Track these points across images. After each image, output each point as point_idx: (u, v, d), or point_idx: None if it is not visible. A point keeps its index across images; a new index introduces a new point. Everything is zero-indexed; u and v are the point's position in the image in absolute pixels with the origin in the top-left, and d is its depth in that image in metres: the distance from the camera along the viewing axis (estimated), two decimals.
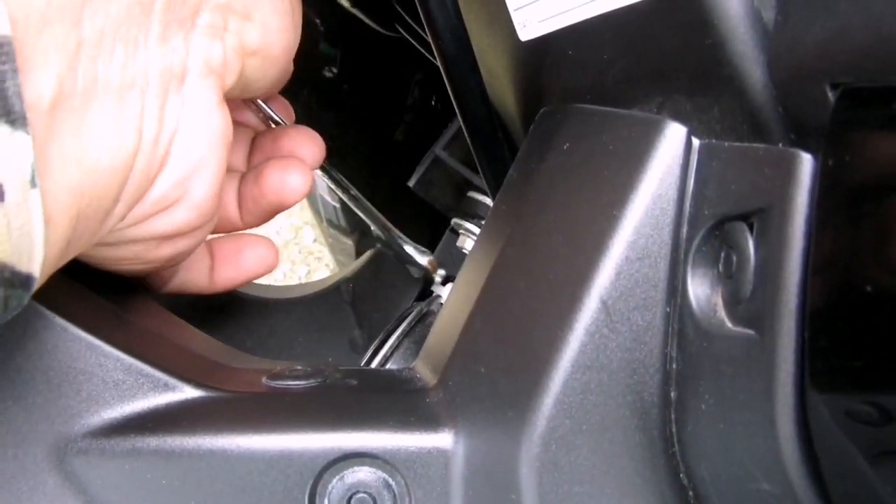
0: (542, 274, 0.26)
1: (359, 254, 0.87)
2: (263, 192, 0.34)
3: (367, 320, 0.54)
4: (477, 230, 0.47)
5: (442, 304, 0.46)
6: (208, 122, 0.26)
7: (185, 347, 0.31)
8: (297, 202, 0.35)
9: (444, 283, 0.53)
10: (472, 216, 0.48)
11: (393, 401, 0.28)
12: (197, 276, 0.35)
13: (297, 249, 1.45)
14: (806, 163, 0.20)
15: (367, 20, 0.44)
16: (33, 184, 0.19)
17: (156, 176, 0.26)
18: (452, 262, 0.50)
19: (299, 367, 0.31)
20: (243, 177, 0.35)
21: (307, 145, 0.36)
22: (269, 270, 0.37)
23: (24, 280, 0.20)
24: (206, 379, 0.29)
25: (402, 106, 0.76)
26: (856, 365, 0.18)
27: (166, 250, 0.29)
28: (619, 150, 0.25)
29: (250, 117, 0.38)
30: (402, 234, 0.48)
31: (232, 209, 0.35)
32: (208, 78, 0.26)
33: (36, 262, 0.20)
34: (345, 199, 0.49)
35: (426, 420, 0.27)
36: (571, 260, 0.25)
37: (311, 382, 0.30)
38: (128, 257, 0.28)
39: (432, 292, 0.54)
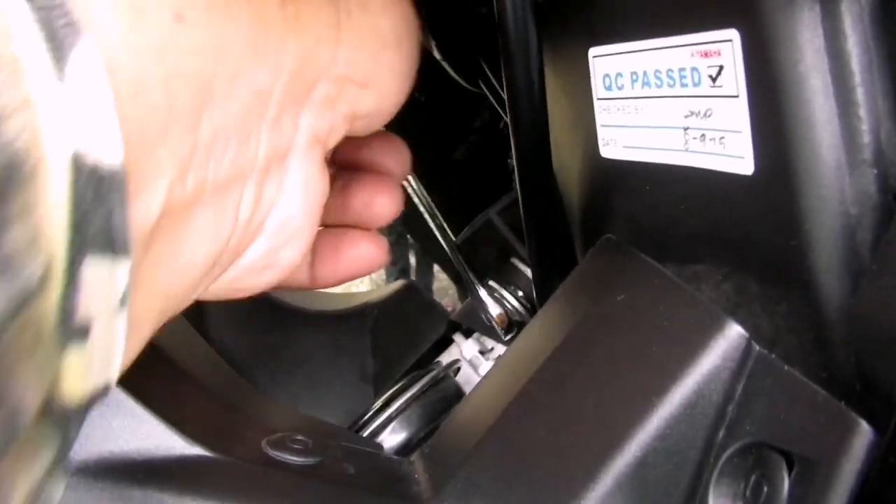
0: (565, 431, 0.25)
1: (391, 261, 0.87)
2: (347, 211, 0.32)
3: (383, 352, 0.54)
4: (511, 298, 0.46)
5: (459, 367, 0.46)
6: (306, 192, 0.25)
7: (192, 392, 0.31)
8: (385, 223, 0.32)
9: (466, 336, 0.52)
10: (509, 283, 0.47)
11: None
12: (297, 274, 0.31)
13: None
14: (865, 436, 0.19)
15: (452, 72, 0.43)
16: (122, 305, 0.17)
17: (245, 248, 0.25)
18: (482, 321, 0.49)
19: (301, 438, 0.30)
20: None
21: (393, 155, 0.33)
22: (375, 269, 0.33)
23: (101, 393, 0.19)
24: (206, 435, 0.29)
25: (469, 127, 0.75)
26: None
27: (243, 294, 0.27)
28: (674, 332, 0.24)
29: None
30: (475, 278, 0.47)
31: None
32: (313, 149, 0.25)
33: (113, 373, 0.19)
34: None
35: None
36: (597, 430, 0.24)
37: (309, 461, 0.29)
38: (200, 297, 0.27)
39: (452, 340, 0.53)
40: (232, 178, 0.21)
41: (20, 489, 0.16)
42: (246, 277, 0.26)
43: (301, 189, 0.25)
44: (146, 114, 0.17)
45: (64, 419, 0.17)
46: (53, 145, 0.14)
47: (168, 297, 0.21)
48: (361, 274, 0.33)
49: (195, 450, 0.28)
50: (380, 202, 0.31)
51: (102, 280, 0.16)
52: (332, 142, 0.26)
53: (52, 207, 0.14)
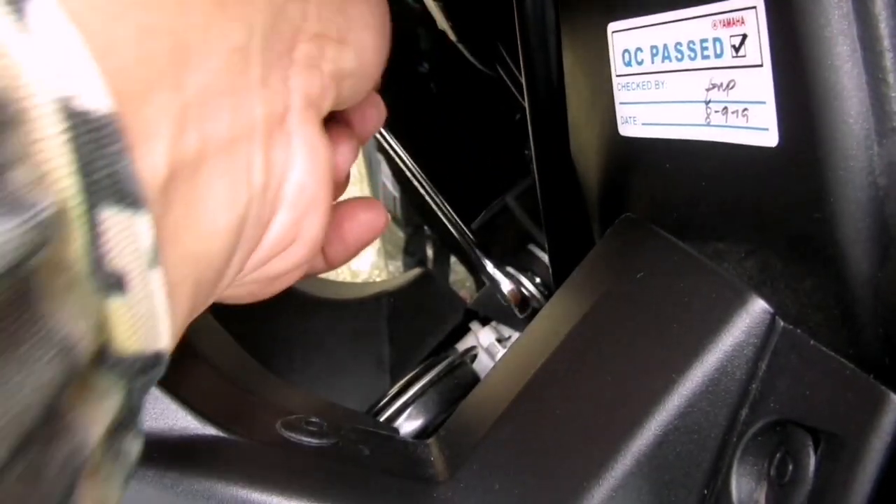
0: (583, 410, 0.25)
1: (407, 250, 0.87)
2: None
3: (399, 340, 0.54)
4: (529, 284, 0.46)
5: (476, 355, 0.45)
6: (314, 157, 0.25)
7: (206, 374, 0.30)
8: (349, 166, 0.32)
9: (483, 324, 0.52)
10: (526, 269, 0.46)
11: (399, 488, 0.27)
12: (315, 262, 0.32)
13: None
14: (894, 409, 0.18)
15: (469, 56, 0.42)
16: (153, 264, 0.17)
17: (269, 221, 0.24)
18: (499, 309, 0.49)
19: (316, 420, 0.30)
20: None
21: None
22: (379, 233, 0.33)
23: (154, 361, 0.18)
24: (220, 416, 0.28)
25: (486, 112, 0.74)
26: None
27: (279, 284, 0.27)
28: (696, 308, 0.23)
29: None
30: (483, 255, 0.46)
31: None
32: (308, 111, 0.25)
33: (163, 341, 0.19)
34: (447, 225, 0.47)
35: None
36: (616, 409, 0.24)
37: (324, 442, 0.29)
38: (242, 296, 0.27)
39: (469, 328, 0.53)
40: (234, 138, 0.21)
41: (94, 427, 0.16)
42: (275, 262, 0.26)
43: (308, 154, 0.24)
44: (123, 70, 0.17)
45: (123, 370, 0.17)
46: (35, 88, 0.14)
47: (199, 264, 0.21)
48: (369, 243, 0.33)
49: (209, 430, 0.28)
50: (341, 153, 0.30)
51: (124, 231, 0.16)
52: (326, 106, 0.26)
53: (52, 150, 0.14)
